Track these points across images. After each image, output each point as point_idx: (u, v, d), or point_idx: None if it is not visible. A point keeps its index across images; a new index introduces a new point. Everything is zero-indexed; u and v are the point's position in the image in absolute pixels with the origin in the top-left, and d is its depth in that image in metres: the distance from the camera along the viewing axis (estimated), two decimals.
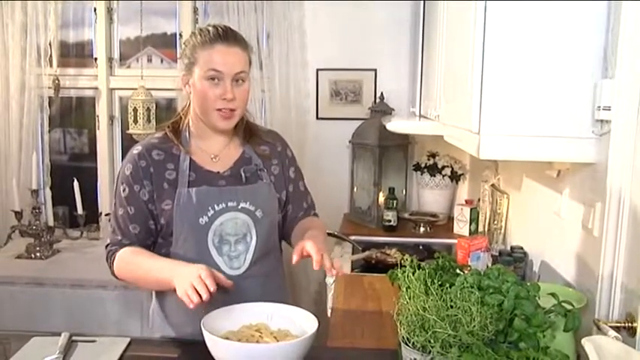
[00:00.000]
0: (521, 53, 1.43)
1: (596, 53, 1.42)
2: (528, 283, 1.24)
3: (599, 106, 1.39)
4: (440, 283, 1.24)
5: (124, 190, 1.57)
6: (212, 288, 1.31)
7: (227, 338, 1.37)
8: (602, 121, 1.40)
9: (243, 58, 1.55)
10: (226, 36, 1.54)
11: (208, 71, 1.51)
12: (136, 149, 1.60)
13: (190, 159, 1.59)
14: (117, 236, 1.58)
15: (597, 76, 1.42)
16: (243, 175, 1.62)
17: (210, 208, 1.55)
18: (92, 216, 3.41)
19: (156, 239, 1.62)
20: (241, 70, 1.54)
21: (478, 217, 2.84)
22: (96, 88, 3.58)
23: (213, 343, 1.30)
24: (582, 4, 1.41)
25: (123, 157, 1.63)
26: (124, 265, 1.57)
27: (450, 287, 1.22)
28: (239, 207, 1.57)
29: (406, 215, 3.18)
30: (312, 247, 1.42)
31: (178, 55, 3.49)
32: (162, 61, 3.64)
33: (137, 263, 1.55)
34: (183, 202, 1.54)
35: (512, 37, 1.43)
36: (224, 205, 1.56)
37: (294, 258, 1.45)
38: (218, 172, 1.61)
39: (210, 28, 1.55)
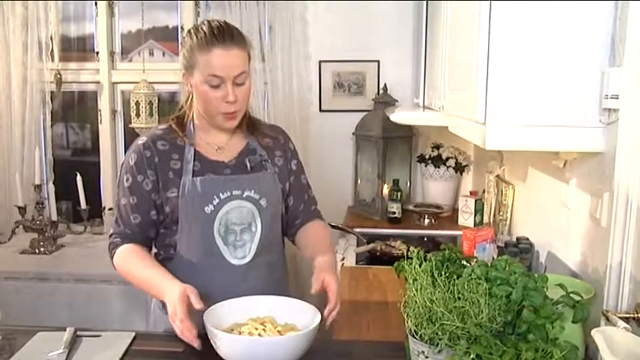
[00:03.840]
0: (527, 42, 1.41)
1: (603, 41, 1.40)
2: (536, 275, 1.23)
3: (607, 95, 1.38)
4: (447, 274, 1.23)
5: (127, 180, 1.58)
6: (194, 332, 1.31)
7: (232, 330, 1.37)
8: (609, 109, 1.39)
9: (243, 59, 1.52)
10: (223, 37, 1.49)
11: (208, 77, 1.49)
12: (141, 139, 1.61)
13: (195, 150, 1.59)
14: (119, 226, 1.60)
15: (604, 64, 1.40)
16: (248, 164, 1.62)
17: (215, 196, 1.55)
18: (95, 210, 3.40)
19: (158, 230, 1.62)
20: (241, 72, 1.51)
21: (483, 208, 2.82)
22: (98, 82, 3.57)
23: (214, 336, 1.30)
24: None
25: (126, 151, 1.63)
26: (122, 267, 1.58)
27: (457, 279, 1.21)
28: (244, 195, 1.58)
29: (410, 207, 3.17)
30: (334, 292, 1.47)
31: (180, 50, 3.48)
32: (164, 54, 3.63)
33: (128, 268, 1.56)
34: (188, 191, 1.54)
35: (519, 25, 1.41)
36: (229, 193, 1.56)
37: (315, 287, 1.47)
38: (223, 162, 1.61)
39: (206, 28, 1.50)
